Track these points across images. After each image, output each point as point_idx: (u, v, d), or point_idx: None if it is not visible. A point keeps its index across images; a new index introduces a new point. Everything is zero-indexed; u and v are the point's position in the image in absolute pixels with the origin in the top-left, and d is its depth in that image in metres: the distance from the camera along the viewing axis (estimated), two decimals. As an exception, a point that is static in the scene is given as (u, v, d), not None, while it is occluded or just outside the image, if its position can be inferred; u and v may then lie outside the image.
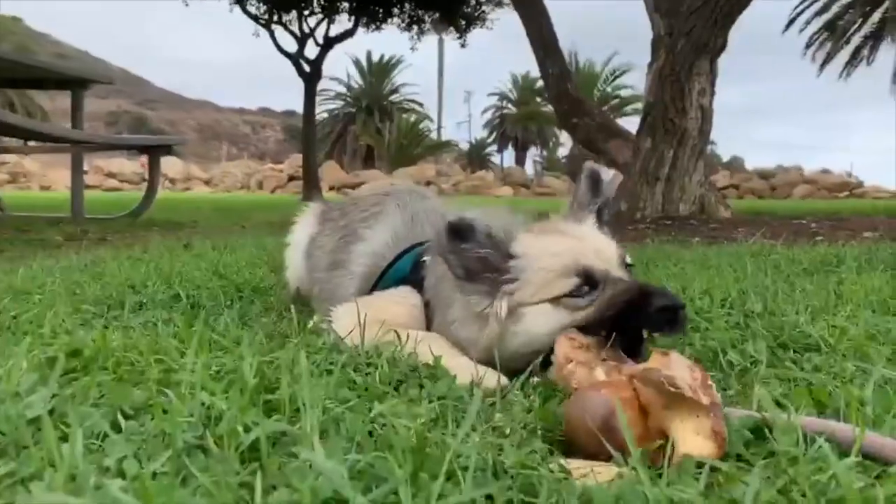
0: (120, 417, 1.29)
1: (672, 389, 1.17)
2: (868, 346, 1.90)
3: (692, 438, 1.16)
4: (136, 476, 0.97)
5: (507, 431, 1.23)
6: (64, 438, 1.12)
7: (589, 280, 1.69)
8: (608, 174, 2.04)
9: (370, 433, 1.25)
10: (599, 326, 1.64)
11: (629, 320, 1.62)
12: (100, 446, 1.17)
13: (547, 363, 1.65)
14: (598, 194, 1.99)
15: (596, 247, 1.78)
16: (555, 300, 1.69)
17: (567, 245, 1.76)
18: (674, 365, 1.22)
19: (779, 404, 1.43)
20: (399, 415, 1.30)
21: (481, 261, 1.75)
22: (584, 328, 1.66)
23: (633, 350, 1.64)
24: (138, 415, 1.34)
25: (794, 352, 1.93)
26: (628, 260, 1.83)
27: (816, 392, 1.50)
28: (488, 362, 1.71)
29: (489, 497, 1.01)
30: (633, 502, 0.97)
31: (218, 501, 0.91)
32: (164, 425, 1.19)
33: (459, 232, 1.73)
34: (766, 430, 1.25)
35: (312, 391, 1.31)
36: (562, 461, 1.15)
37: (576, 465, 1.12)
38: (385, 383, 1.57)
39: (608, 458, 1.12)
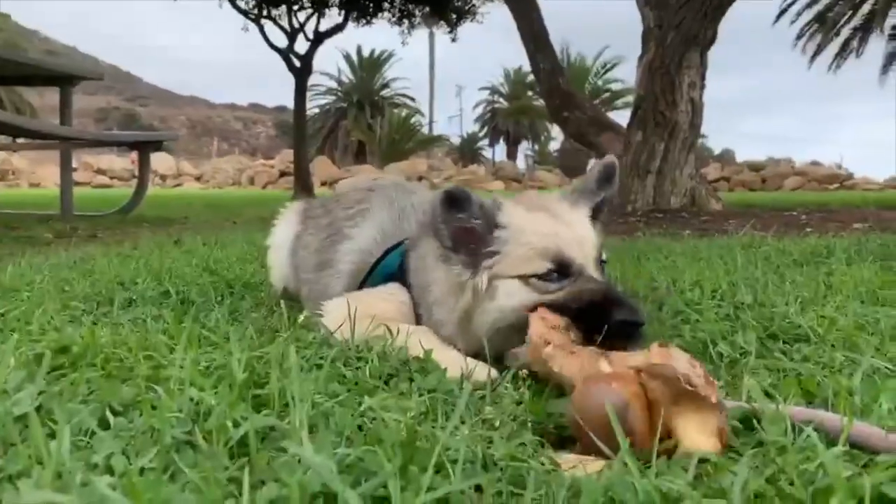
0: (108, 414, 1.29)
1: (688, 388, 1.16)
2: (857, 336, 1.91)
3: (697, 435, 1.16)
4: (124, 472, 0.97)
5: (497, 424, 1.23)
6: (52, 435, 1.12)
7: (562, 268, 1.72)
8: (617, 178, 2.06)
9: (360, 427, 1.25)
10: (563, 313, 1.64)
11: (589, 321, 1.62)
12: (88, 443, 1.16)
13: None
14: (605, 187, 2.00)
15: (580, 237, 1.79)
16: (525, 278, 1.72)
17: (553, 228, 1.78)
18: (675, 358, 1.22)
19: (768, 395, 1.43)
20: (388, 409, 1.30)
21: (469, 231, 1.78)
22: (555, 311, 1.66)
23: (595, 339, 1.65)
24: (127, 411, 1.34)
25: (784, 342, 1.93)
26: (604, 256, 1.85)
27: (805, 382, 1.50)
28: (467, 345, 1.77)
29: (479, 489, 1.01)
30: (623, 493, 0.97)
31: (206, 497, 0.91)
32: (152, 421, 1.18)
33: (455, 201, 1.77)
34: (755, 421, 1.25)
35: (302, 386, 1.31)
36: (552, 453, 1.16)
37: (565, 458, 1.13)
38: (375, 377, 1.56)
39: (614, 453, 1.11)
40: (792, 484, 1.01)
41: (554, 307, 1.66)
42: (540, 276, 1.72)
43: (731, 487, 0.96)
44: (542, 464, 1.11)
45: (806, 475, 1.04)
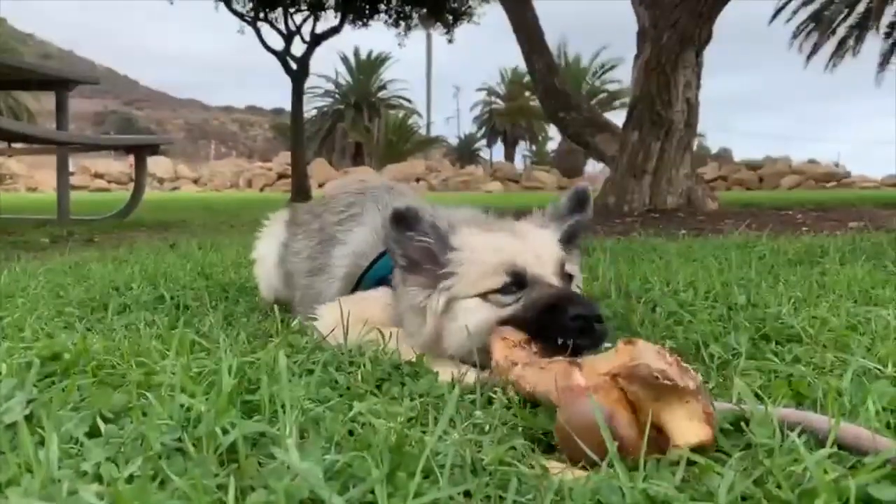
0: (99, 421, 1.29)
1: (667, 383, 1.16)
2: (848, 337, 1.91)
3: (687, 425, 1.16)
4: (112, 481, 0.97)
5: (487, 428, 1.23)
6: (43, 443, 1.12)
7: (518, 280, 1.71)
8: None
9: (350, 432, 1.26)
10: (522, 327, 1.64)
11: (547, 325, 1.61)
12: (79, 451, 1.16)
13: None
14: (578, 213, 2.00)
15: (536, 249, 1.78)
16: (483, 295, 1.71)
17: (506, 243, 1.78)
18: (643, 353, 1.22)
19: (758, 396, 1.44)
20: (378, 414, 1.30)
21: (424, 251, 1.78)
22: (516, 325, 1.66)
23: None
24: (118, 418, 1.34)
25: (776, 343, 1.94)
26: (572, 271, 1.85)
27: (796, 383, 1.51)
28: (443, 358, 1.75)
29: (467, 494, 1.01)
30: (610, 497, 0.97)
31: (194, 504, 0.91)
32: (142, 428, 1.18)
33: (404, 219, 1.76)
34: (744, 423, 1.26)
35: (293, 391, 1.31)
36: (541, 458, 1.16)
37: (554, 463, 1.13)
38: (367, 382, 1.57)
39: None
40: (779, 486, 1.02)
41: (514, 321, 1.66)
42: (497, 291, 1.70)
43: (718, 490, 0.97)
44: (532, 467, 1.11)
45: (793, 477, 1.04)
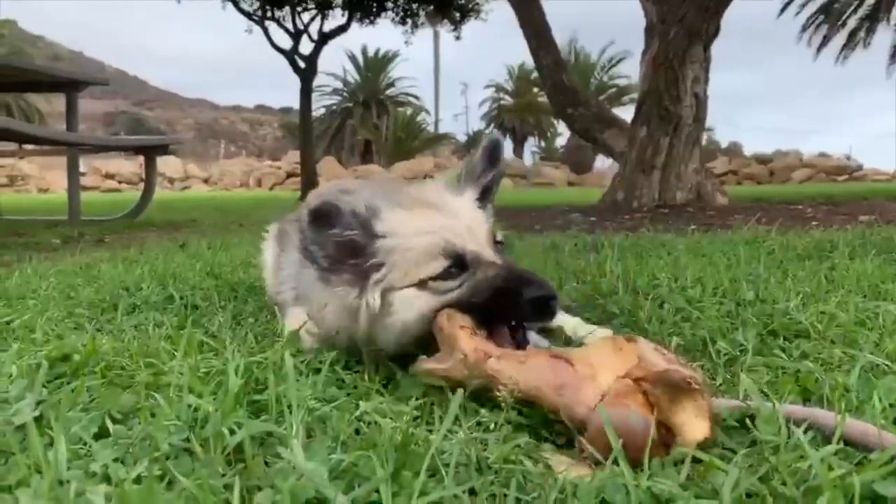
0: (108, 422, 1.30)
1: (695, 387, 1.16)
2: (856, 332, 1.91)
3: (695, 422, 1.16)
4: (120, 482, 0.98)
5: (492, 427, 1.23)
6: (52, 444, 1.13)
7: (458, 262, 1.61)
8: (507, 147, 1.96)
9: (357, 431, 1.26)
10: (468, 311, 1.55)
11: (498, 308, 1.54)
12: (87, 451, 1.18)
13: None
14: (492, 168, 1.88)
15: (468, 224, 1.67)
16: (422, 283, 1.61)
17: (437, 223, 1.66)
18: (646, 352, 1.22)
19: (765, 393, 1.44)
20: (384, 413, 1.31)
21: (347, 246, 1.66)
22: (462, 310, 1.56)
23: (514, 332, 1.58)
24: (127, 418, 1.35)
25: (784, 339, 1.93)
26: (499, 237, 1.75)
27: (803, 379, 1.50)
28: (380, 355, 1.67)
29: (472, 492, 1.02)
30: (614, 495, 0.97)
31: (201, 504, 0.92)
32: (150, 429, 1.19)
33: (324, 216, 1.64)
34: (750, 420, 1.26)
35: (299, 390, 1.32)
36: (546, 456, 1.16)
37: (559, 460, 1.13)
38: (373, 381, 1.57)
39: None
40: (784, 483, 1.02)
41: (461, 306, 1.56)
42: (437, 277, 1.60)
43: (723, 487, 0.97)
44: (536, 464, 1.12)
45: (798, 474, 1.04)
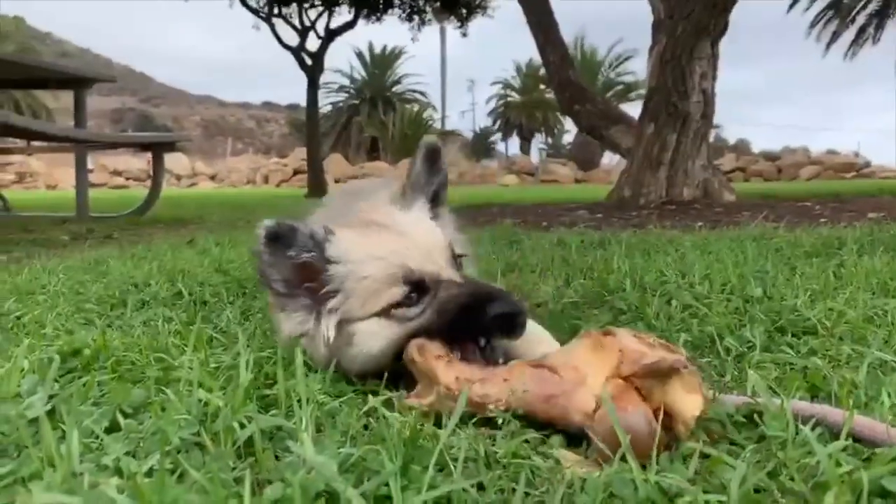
0: (119, 416, 1.31)
1: (685, 370, 1.16)
2: (865, 329, 1.90)
3: (687, 398, 1.17)
4: (132, 474, 0.99)
5: (500, 422, 1.23)
6: (64, 438, 1.14)
7: (418, 286, 1.53)
8: (446, 149, 1.86)
9: (365, 426, 1.27)
10: (435, 334, 1.48)
11: (464, 327, 1.48)
12: (99, 445, 1.19)
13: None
14: (435, 173, 1.82)
15: (423, 243, 1.60)
16: (384, 311, 1.53)
17: (391, 246, 1.57)
18: (625, 343, 1.22)
19: (772, 389, 1.44)
20: (393, 408, 1.31)
21: (302, 269, 1.58)
22: (427, 335, 1.49)
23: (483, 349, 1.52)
24: (138, 413, 1.36)
25: (792, 336, 1.93)
26: (458, 251, 1.69)
27: (811, 376, 1.50)
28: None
29: (481, 487, 1.02)
30: (622, 490, 0.98)
31: (211, 498, 0.93)
32: (161, 423, 1.20)
33: (280, 237, 1.56)
34: (758, 416, 1.26)
35: (309, 385, 1.33)
36: (554, 451, 1.17)
37: (566, 456, 1.14)
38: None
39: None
40: (792, 479, 1.02)
41: (426, 332, 1.49)
42: (398, 305, 1.52)
43: (730, 482, 0.97)
44: (545, 460, 1.12)
45: (807, 470, 1.04)
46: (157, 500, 0.85)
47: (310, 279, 1.59)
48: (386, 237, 1.60)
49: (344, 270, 1.56)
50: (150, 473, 1.05)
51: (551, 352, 1.37)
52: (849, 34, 30.56)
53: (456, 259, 1.64)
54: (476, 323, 1.46)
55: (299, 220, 1.62)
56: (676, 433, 1.17)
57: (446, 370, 1.36)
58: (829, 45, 30.96)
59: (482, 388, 1.29)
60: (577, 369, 1.24)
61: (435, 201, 1.83)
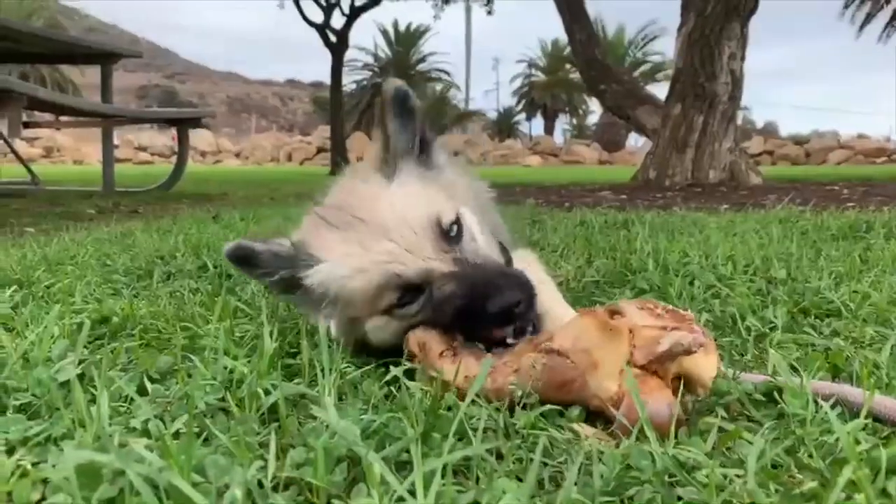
0: (146, 381, 1.34)
1: (695, 349, 1.16)
2: (890, 312, 1.89)
3: (702, 361, 1.16)
4: (160, 436, 1.02)
5: (519, 394, 1.24)
6: (93, 401, 1.17)
7: (410, 289, 1.46)
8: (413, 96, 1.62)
9: (387, 396, 1.29)
10: (437, 327, 1.43)
11: (465, 327, 1.41)
12: (128, 408, 1.22)
13: None
14: (411, 120, 1.63)
15: (407, 236, 1.46)
16: (384, 311, 1.49)
17: (374, 252, 1.46)
18: (634, 318, 1.19)
19: (793, 368, 1.44)
20: (414, 377, 1.33)
21: (285, 282, 1.57)
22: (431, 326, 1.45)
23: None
24: (164, 379, 1.40)
25: (815, 317, 1.92)
26: (450, 218, 1.52)
27: (833, 356, 1.50)
28: None
29: (499, 456, 1.04)
30: (640, 462, 0.99)
31: (237, 460, 0.95)
32: (187, 388, 1.23)
33: (244, 259, 1.58)
34: (778, 394, 1.26)
35: (331, 356, 1.35)
36: (573, 424, 1.18)
37: (584, 429, 1.15)
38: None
39: None
40: (811, 455, 1.02)
41: (429, 324, 1.45)
42: (394, 307, 1.47)
43: (748, 457, 0.98)
44: (562, 432, 1.14)
45: (825, 447, 1.05)
46: (185, 459, 0.87)
47: (297, 287, 1.55)
48: (367, 238, 1.48)
49: (331, 285, 1.50)
50: (176, 436, 1.08)
51: (556, 330, 1.29)
52: (884, 15, 29.88)
53: (449, 233, 1.50)
54: (474, 322, 1.38)
55: (264, 239, 1.59)
56: (695, 394, 1.18)
57: (452, 369, 1.30)
58: (862, 27, 30.30)
59: (492, 382, 1.25)
60: (588, 353, 1.20)
61: (424, 150, 1.66)
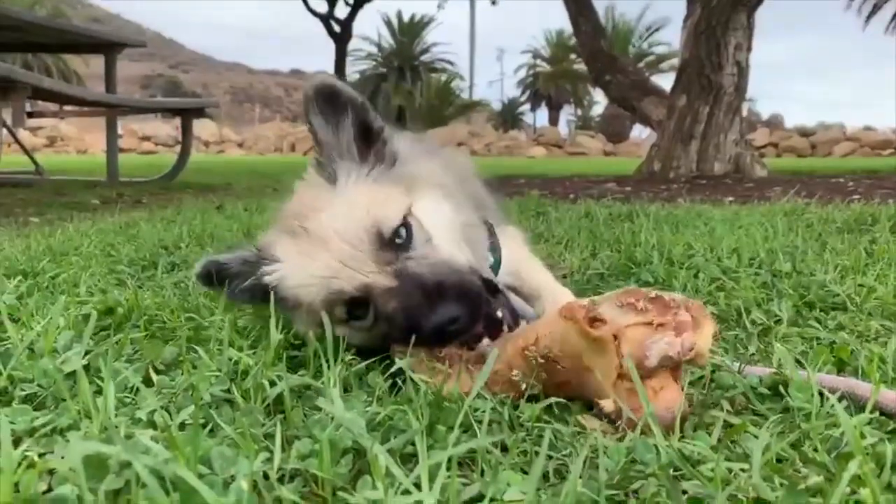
0: (152, 372, 1.35)
1: (688, 354, 1.15)
2: (895, 306, 1.88)
3: (699, 336, 1.14)
4: (165, 427, 1.02)
5: (524, 387, 1.24)
6: (99, 392, 1.18)
7: (355, 304, 1.41)
8: (345, 87, 1.51)
9: (391, 388, 1.29)
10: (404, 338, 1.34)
11: (423, 339, 1.31)
12: (133, 399, 1.22)
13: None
14: (343, 114, 1.53)
15: (344, 252, 1.39)
16: (342, 323, 1.43)
17: (316, 264, 1.41)
18: (616, 322, 1.13)
19: (798, 362, 1.43)
20: (419, 370, 1.33)
21: (254, 289, 1.54)
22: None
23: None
24: (169, 370, 1.40)
25: (820, 311, 1.92)
26: (394, 223, 1.43)
27: (838, 350, 1.49)
28: None
29: (504, 448, 1.04)
30: (645, 455, 0.99)
31: (243, 451, 0.95)
32: (193, 379, 1.24)
33: (212, 276, 1.57)
34: (783, 387, 1.26)
35: (337, 346, 1.35)
36: (578, 417, 1.18)
37: (590, 421, 1.15)
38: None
39: None
40: (815, 449, 1.02)
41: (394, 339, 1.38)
42: (347, 320, 1.43)
43: (753, 451, 0.98)
44: (567, 425, 1.14)
45: (830, 441, 1.04)
46: (192, 451, 0.87)
47: (265, 293, 1.49)
48: (310, 250, 1.43)
49: (286, 295, 1.48)
50: (182, 427, 1.08)
51: (538, 329, 1.23)
52: (891, 7, 29.73)
53: (394, 240, 1.42)
54: (425, 339, 1.30)
55: (229, 249, 1.57)
56: (694, 366, 1.19)
57: (449, 384, 1.22)
58: (869, 18, 30.16)
59: (491, 389, 1.23)
60: (578, 357, 1.16)
61: (369, 138, 1.56)
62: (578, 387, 1.19)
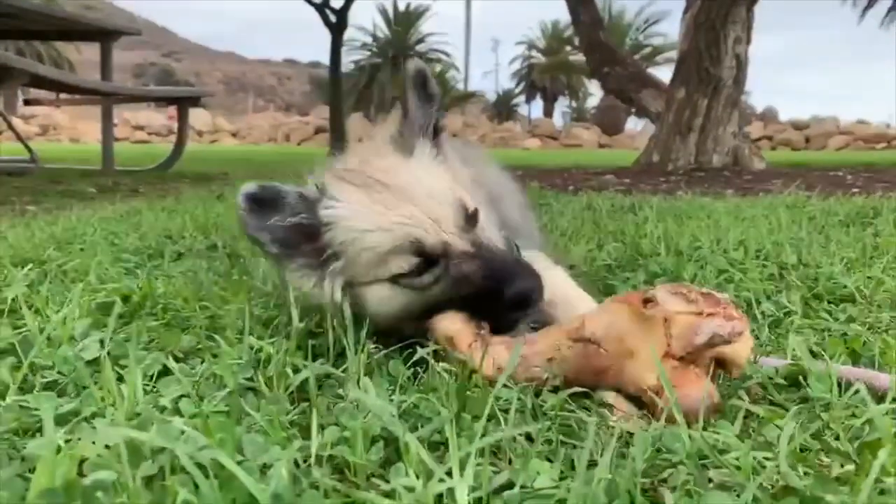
0: (171, 361, 1.34)
1: (733, 339, 1.15)
2: (904, 298, 1.89)
3: (737, 345, 1.16)
4: (196, 414, 1.02)
5: (546, 377, 1.25)
6: (120, 379, 1.18)
7: (427, 258, 1.43)
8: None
9: (413, 376, 1.29)
10: (449, 307, 1.41)
11: (481, 307, 1.39)
12: (153, 387, 1.22)
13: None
14: (430, 102, 1.64)
15: (430, 206, 1.45)
16: (392, 279, 1.45)
17: (396, 213, 1.44)
18: (668, 305, 1.16)
19: (813, 353, 1.44)
20: (440, 359, 1.33)
21: (298, 230, 1.48)
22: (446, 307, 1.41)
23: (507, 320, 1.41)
24: (187, 358, 1.40)
25: (829, 303, 1.93)
26: (472, 204, 1.51)
27: (851, 341, 1.50)
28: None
29: (529, 438, 1.05)
30: (672, 444, 0.99)
31: (272, 439, 0.96)
32: (215, 368, 1.24)
33: (263, 202, 1.46)
34: (801, 378, 1.27)
35: (358, 335, 1.35)
36: (608, 398, 1.18)
37: (619, 402, 1.16)
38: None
39: None
40: (838, 438, 1.03)
41: (440, 303, 1.42)
42: (407, 275, 1.43)
43: (779, 440, 0.98)
44: (590, 414, 1.14)
45: (851, 430, 1.05)
46: (223, 437, 0.87)
47: (307, 240, 1.49)
48: (390, 201, 1.45)
49: (345, 237, 1.46)
50: (208, 415, 1.09)
51: (587, 316, 1.27)
52: (885, 0, 29.71)
53: (468, 216, 1.48)
54: (491, 304, 1.38)
55: (285, 183, 1.50)
56: (729, 374, 1.19)
57: (482, 359, 1.27)
58: (864, 12, 30.16)
59: (525, 371, 1.24)
60: (621, 340, 1.18)
61: (436, 134, 1.65)
62: (616, 374, 1.19)
